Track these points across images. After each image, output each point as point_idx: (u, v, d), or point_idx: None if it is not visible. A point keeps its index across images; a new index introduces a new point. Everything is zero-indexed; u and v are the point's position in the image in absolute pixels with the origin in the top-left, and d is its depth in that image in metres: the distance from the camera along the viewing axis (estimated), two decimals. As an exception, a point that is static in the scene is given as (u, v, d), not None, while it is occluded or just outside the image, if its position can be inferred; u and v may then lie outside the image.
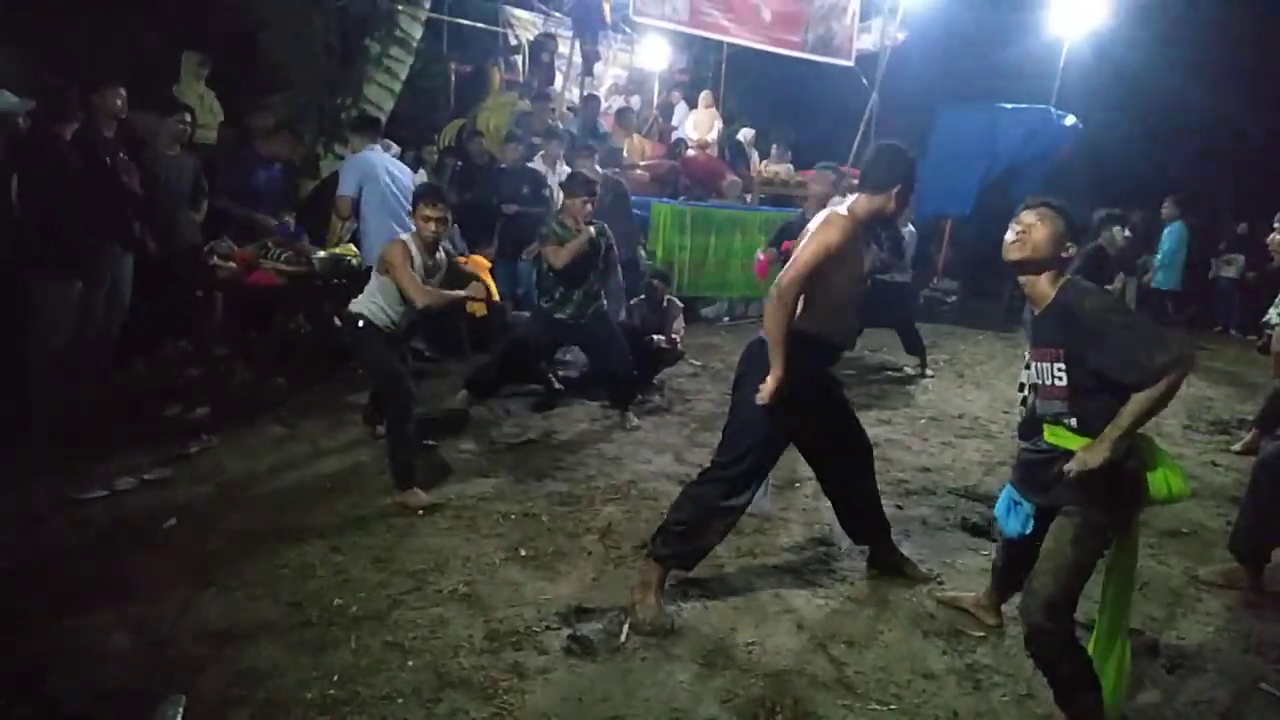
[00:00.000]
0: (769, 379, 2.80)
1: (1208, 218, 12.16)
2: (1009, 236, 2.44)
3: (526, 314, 6.03)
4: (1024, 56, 11.71)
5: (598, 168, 7.03)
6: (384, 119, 7.99)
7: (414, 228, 4.10)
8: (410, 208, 5.64)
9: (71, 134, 4.35)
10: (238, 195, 5.74)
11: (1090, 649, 2.42)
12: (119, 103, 4.65)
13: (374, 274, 4.09)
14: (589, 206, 4.95)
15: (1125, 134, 13.48)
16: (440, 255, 4.19)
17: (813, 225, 2.86)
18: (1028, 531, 2.51)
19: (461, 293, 4.17)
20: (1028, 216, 2.43)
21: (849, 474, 3.27)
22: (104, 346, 4.71)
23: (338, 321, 5.92)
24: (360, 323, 3.98)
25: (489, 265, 6.15)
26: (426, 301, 3.94)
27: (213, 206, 5.56)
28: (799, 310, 2.87)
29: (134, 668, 2.50)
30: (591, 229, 4.96)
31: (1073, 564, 2.30)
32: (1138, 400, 2.18)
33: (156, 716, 2.23)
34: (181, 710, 2.26)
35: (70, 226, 4.28)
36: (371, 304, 4.01)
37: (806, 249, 2.79)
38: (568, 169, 6.99)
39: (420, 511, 3.70)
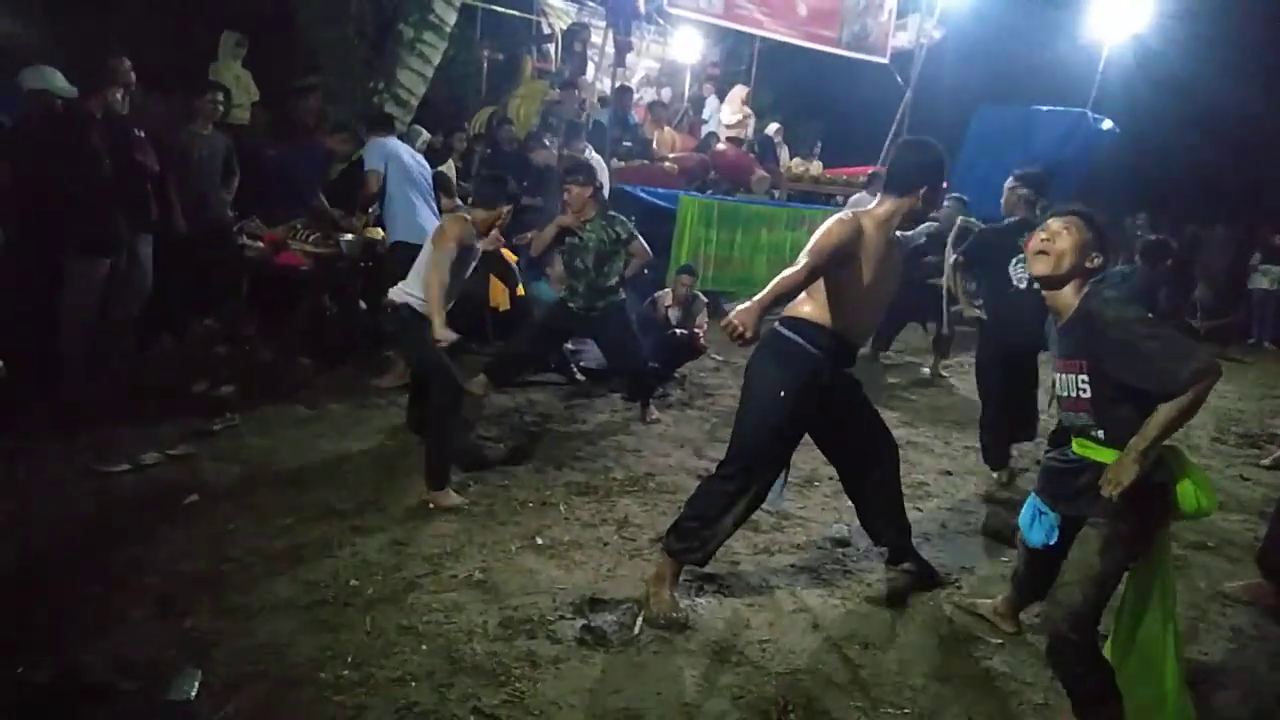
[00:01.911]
0: None
1: (1244, 228, 11.92)
2: (1034, 245, 2.39)
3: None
4: (1062, 58, 11.50)
5: (553, 151, 7.10)
6: (415, 104, 8.03)
7: (437, 209, 3.98)
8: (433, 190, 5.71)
9: (101, 112, 4.39)
10: (284, 180, 5.81)
11: (1108, 655, 2.39)
12: (129, 75, 4.66)
13: (422, 258, 3.79)
14: (576, 191, 4.88)
15: (1164, 139, 13.22)
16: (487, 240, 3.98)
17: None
18: (1051, 542, 2.46)
19: (443, 331, 3.61)
20: (1054, 224, 2.38)
21: (870, 473, 3.21)
22: (125, 325, 4.76)
23: (363, 305, 5.98)
24: (406, 312, 3.72)
25: (515, 258, 6.16)
26: (431, 296, 3.60)
27: (309, 205, 5.65)
28: (820, 305, 2.85)
29: (152, 639, 2.52)
30: (574, 217, 4.91)
31: (1098, 575, 2.25)
32: (1164, 411, 2.13)
33: (173, 690, 2.25)
34: (197, 683, 2.28)
35: (95, 204, 4.32)
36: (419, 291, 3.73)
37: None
38: (597, 158, 6.99)
39: (432, 506, 3.60)
